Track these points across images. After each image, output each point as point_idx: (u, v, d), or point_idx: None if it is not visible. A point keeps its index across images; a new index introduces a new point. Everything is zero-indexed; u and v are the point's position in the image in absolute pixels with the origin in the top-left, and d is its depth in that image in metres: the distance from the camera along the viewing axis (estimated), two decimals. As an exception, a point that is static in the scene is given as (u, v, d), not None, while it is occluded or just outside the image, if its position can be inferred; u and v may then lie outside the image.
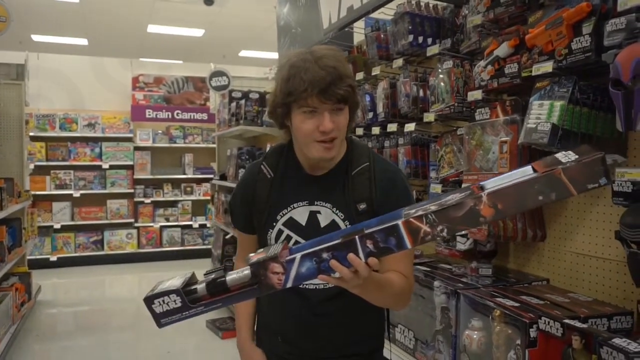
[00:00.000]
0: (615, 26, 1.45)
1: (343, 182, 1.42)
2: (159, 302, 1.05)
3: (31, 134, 7.30)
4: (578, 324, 1.40)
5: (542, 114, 1.63)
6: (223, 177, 5.48)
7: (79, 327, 5.16)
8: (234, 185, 4.97)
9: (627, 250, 1.44)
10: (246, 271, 1.06)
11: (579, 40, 1.56)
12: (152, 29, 7.16)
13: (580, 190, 0.93)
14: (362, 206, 1.39)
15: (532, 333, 1.50)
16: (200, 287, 1.07)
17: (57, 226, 7.52)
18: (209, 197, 7.47)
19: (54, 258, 7.44)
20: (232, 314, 4.98)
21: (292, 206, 1.44)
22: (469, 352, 1.77)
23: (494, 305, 1.66)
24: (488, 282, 1.98)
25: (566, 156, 0.96)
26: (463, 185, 2.01)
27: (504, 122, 1.86)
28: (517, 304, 1.63)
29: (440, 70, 2.26)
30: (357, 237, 1.02)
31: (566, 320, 1.42)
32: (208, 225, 8.07)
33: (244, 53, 8.40)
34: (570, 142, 1.58)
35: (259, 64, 8.01)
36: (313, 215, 1.42)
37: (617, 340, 1.22)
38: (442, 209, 0.97)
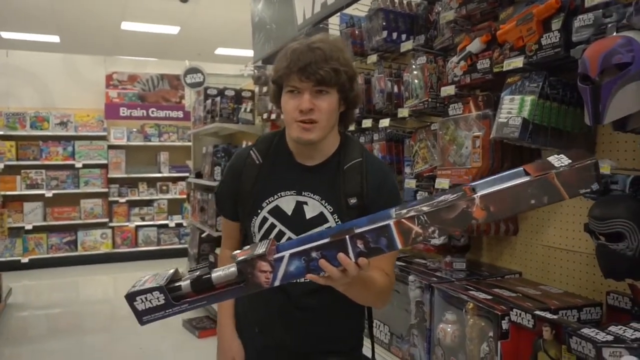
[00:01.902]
0: (583, 22, 1.48)
1: (334, 176, 1.42)
2: (141, 299, 1.03)
3: (0, 132, 7.14)
4: (548, 316, 1.43)
5: (513, 108, 1.65)
6: (199, 175, 5.43)
7: (52, 329, 5.06)
8: (209, 183, 4.93)
9: (595, 242, 1.46)
10: (232, 268, 1.04)
11: (549, 36, 1.58)
12: (126, 26, 7.04)
13: (572, 194, 0.94)
14: (353, 201, 1.38)
15: (504, 325, 1.52)
16: (185, 284, 1.04)
17: (28, 227, 7.34)
18: (184, 196, 7.39)
19: (25, 260, 7.26)
20: (209, 313, 4.94)
21: (279, 194, 1.42)
22: (443, 345, 1.78)
23: (468, 299, 1.67)
24: (462, 275, 2.00)
25: (559, 160, 0.96)
26: (437, 180, 2.02)
27: (477, 117, 1.87)
28: (489, 297, 1.65)
29: (414, 66, 2.27)
30: (347, 236, 1.01)
31: (537, 312, 1.44)
32: (184, 224, 7.98)
33: (219, 51, 8.33)
34: (540, 137, 1.61)
35: (235, 62, 7.94)
36: (299, 206, 1.41)
37: (586, 331, 1.24)
38: (435, 211, 0.96)
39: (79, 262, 7.52)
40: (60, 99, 7.87)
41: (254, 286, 1.03)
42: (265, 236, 1.43)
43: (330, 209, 1.40)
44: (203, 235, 5.31)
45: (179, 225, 8.12)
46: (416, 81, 2.26)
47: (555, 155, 0.98)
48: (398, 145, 2.53)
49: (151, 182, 8.14)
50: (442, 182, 2.00)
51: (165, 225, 8.11)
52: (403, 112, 2.35)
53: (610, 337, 1.19)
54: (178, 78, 7.37)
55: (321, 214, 1.40)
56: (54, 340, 4.63)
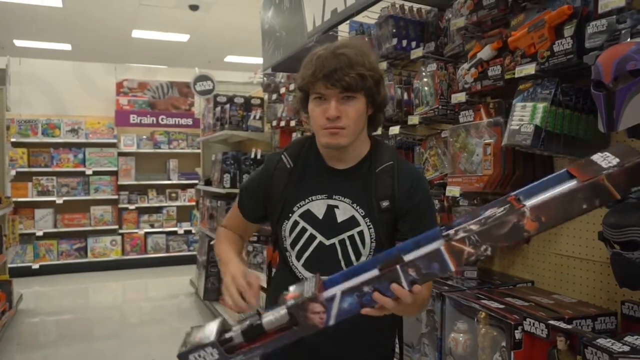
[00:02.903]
0: (596, 28, 1.47)
1: (366, 179, 1.41)
2: (194, 357, 1.01)
3: (13, 139, 7.19)
4: (563, 325, 1.41)
5: (525, 115, 1.64)
6: (208, 183, 5.44)
7: (62, 336, 5.07)
8: (219, 190, 4.94)
9: (610, 250, 1.44)
10: (282, 311, 1.02)
11: (561, 42, 1.57)
12: (137, 34, 7.11)
13: (624, 194, 0.92)
14: (385, 204, 1.37)
15: (517, 335, 1.49)
16: (236, 334, 1.03)
17: (39, 233, 7.40)
18: (194, 203, 7.41)
19: (36, 266, 7.31)
20: (218, 321, 4.93)
21: (310, 198, 1.42)
22: (455, 355, 1.76)
23: (479, 308, 1.65)
24: (473, 284, 1.98)
25: (605, 159, 0.94)
26: (448, 188, 2.01)
27: (488, 124, 1.86)
28: (502, 306, 1.63)
29: (424, 73, 2.26)
30: (398, 266, 1.00)
31: (551, 322, 1.42)
32: (193, 231, 8.00)
33: (229, 58, 8.37)
34: (553, 144, 1.59)
35: (244, 69, 7.99)
36: (330, 210, 1.40)
37: (602, 341, 1.22)
38: (485, 229, 0.95)
39: (88, 268, 7.56)
40: (71, 107, 7.95)
41: (309, 328, 1.02)
42: (296, 240, 1.43)
43: (361, 212, 1.39)
44: (212, 242, 5.32)
45: (187, 232, 8.15)
46: (426, 88, 2.25)
47: (599, 154, 0.95)
48: (408, 152, 2.52)
49: (160, 189, 8.18)
50: (452, 190, 1.98)
51: (174, 232, 8.14)
52: (413, 120, 2.34)
53: (626, 348, 1.17)
54: (188, 85, 7.43)
55: (352, 217, 1.39)
56: (64, 346, 4.64)
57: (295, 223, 1.42)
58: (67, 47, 7.67)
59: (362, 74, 1.29)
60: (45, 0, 5.83)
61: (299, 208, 1.42)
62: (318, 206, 1.41)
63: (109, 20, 6.56)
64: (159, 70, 8.73)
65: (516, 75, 1.73)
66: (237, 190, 4.70)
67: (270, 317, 1.02)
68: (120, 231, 7.91)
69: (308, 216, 1.41)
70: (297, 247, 1.43)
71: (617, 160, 0.92)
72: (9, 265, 5.59)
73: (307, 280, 1.07)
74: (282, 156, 1.48)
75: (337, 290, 1.02)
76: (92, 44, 7.56)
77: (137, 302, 6.37)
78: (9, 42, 7.33)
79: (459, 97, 2.03)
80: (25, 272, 7.04)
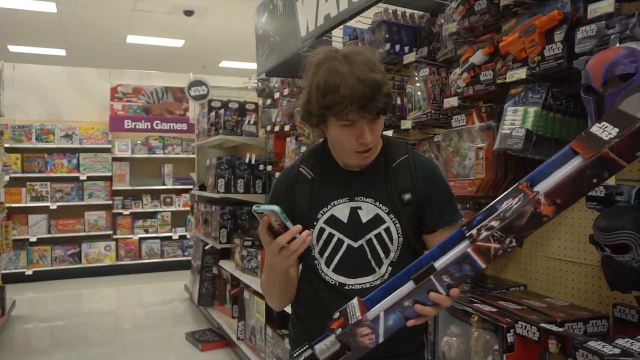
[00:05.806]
0: (585, 33, 1.48)
1: (384, 175, 1.42)
2: None
3: (6, 145, 7.17)
4: (554, 328, 1.41)
5: (517, 119, 1.65)
6: (202, 188, 5.43)
7: (55, 342, 5.04)
8: (213, 195, 4.93)
9: (601, 254, 1.45)
10: (332, 340, 1.09)
11: (551, 47, 1.59)
12: (131, 39, 7.12)
13: (630, 160, 0.94)
14: (407, 196, 1.38)
15: (510, 338, 1.50)
16: None
17: (33, 239, 7.35)
18: (188, 208, 7.40)
19: (29, 272, 7.26)
20: (212, 326, 4.92)
21: (332, 204, 1.42)
22: (448, 359, 1.76)
23: (472, 311, 1.66)
24: (466, 288, 1.98)
25: (604, 130, 0.95)
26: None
27: (480, 129, 1.87)
28: (494, 310, 1.63)
29: (417, 78, 2.28)
30: (432, 276, 1.05)
31: (543, 325, 1.43)
32: (188, 236, 7.99)
33: (224, 64, 8.40)
34: (544, 148, 1.60)
35: (239, 74, 8.01)
36: (354, 212, 1.41)
37: (593, 344, 1.23)
38: (506, 224, 0.98)
39: (82, 274, 7.52)
40: (65, 112, 7.93)
41: (361, 350, 1.08)
42: (324, 247, 1.42)
43: (385, 209, 1.39)
44: (206, 247, 5.31)
45: (182, 237, 8.13)
46: (419, 93, 2.26)
47: (598, 125, 0.97)
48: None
49: (155, 195, 8.16)
50: (445, 194, 1.98)
51: (169, 238, 8.11)
52: (406, 124, 2.35)
53: (617, 350, 1.17)
54: (182, 90, 7.43)
55: (377, 215, 1.39)
56: (58, 353, 4.61)
57: (322, 230, 1.42)
58: (61, 52, 7.68)
59: (388, 94, 1.28)
60: (39, 6, 5.83)
61: (322, 215, 1.42)
62: (341, 210, 1.41)
63: (103, 26, 6.57)
64: (153, 75, 8.73)
65: (507, 80, 1.75)
66: (231, 195, 4.71)
67: (322, 347, 1.10)
68: (115, 236, 7.87)
69: (333, 221, 1.41)
70: (326, 254, 1.42)
71: (616, 130, 0.93)
72: (2, 272, 5.57)
73: (348, 306, 1.13)
74: (300, 169, 1.48)
75: (379, 310, 1.08)
76: (86, 49, 7.57)
77: (132, 308, 6.34)
78: (3, 47, 7.32)
79: (452, 102, 2.04)
80: (18, 278, 7.00)
